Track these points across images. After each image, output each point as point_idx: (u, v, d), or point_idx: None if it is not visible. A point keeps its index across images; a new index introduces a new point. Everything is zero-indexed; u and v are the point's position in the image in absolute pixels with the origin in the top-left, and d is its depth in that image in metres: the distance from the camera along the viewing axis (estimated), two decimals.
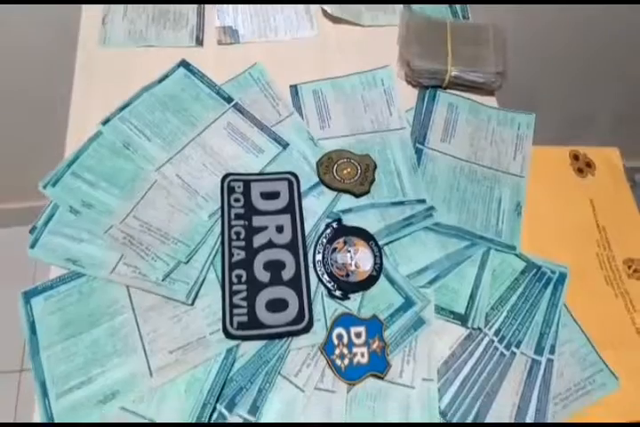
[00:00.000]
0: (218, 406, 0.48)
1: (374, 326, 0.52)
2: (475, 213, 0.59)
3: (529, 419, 0.50)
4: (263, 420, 0.48)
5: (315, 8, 0.72)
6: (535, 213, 0.60)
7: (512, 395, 0.51)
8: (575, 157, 0.65)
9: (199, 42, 0.69)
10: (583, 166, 0.64)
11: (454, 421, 0.49)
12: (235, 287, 0.53)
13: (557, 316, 0.54)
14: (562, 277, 0.56)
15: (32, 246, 0.54)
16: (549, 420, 0.50)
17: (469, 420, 0.50)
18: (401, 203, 0.59)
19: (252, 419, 0.48)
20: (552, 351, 0.53)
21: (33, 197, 1.11)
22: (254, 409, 0.48)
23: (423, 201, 0.59)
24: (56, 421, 0.47)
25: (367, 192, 0.59)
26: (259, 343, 0.51)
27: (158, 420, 0.47)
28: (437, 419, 0.49)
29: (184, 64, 0.65)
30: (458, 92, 0.67)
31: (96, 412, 0.48)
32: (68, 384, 0.49)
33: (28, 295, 0.52)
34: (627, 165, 0.65)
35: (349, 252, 0.56)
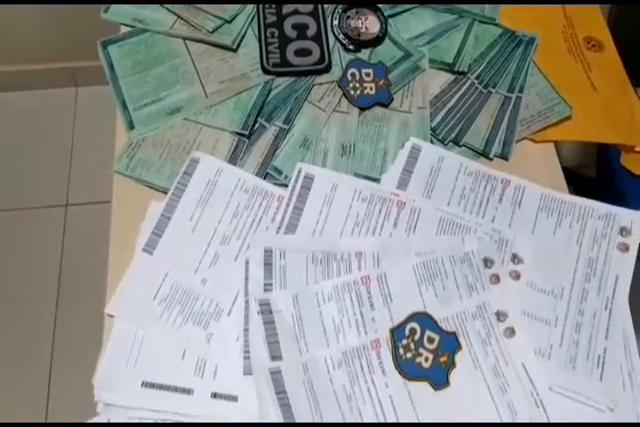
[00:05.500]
0: (259, 119, 0.62)
1: (380, 69, 0.66)
2: None
3: (500, 134, 0.64)
4: (294, 129, 0.62)
5: None
6: None
7: (488, 119, 0.65)
8: None
9: None
10: None
11: (442, 135, 0.63)
12: (269, 40, 0.66)
13: (526, 66, 0.67)
14: (532, 40, 0.69)
15: (105, 11, 0.67)
16: (515, 137, 0.64)
17: (453, 135, 0.64)
18: None
19: (285, 127, 0.62)
20: (521, 91, 0.66)
21: (75, 58, 1.25)
22: (287, 121, 0.63)
23: None
24: (136, 126, 0.62)
25: None
26: (289, 79, 0.65)
27: (214, 125, 0.62)
28: (429, 134, 0.64)
29: None
30: None
31: (165, 120, 0.62)
32: (143, 102, 0.63)
33: (105, 44, 0.66)
34: None
35: (360, 19, 0.69)
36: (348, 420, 0.48)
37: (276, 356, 0.49)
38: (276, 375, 0.48)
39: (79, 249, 1.22)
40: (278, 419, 0.47)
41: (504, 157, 0.63)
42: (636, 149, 0.70)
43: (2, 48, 1.26)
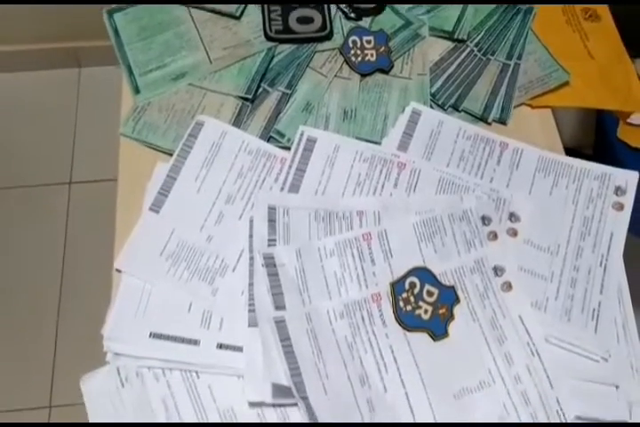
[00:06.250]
0: (262, 84, 0.64)
1: (381, 37, 0.67)
2: None
3: (499, 99, 0.65)
4: (296, 94, 0.64)
5: None
6: None
7: (487, 85, 0.66)
8: None
9: None
10: None
11: (442, 100, 0.65)
12: (271, 8, 0.67)
13: (525, 34, 0.68)
14: (530, 9, 0.70)
15: None
16: (514, 103, 0.65)
17: (453, 100, 0.65)
18: None
19: (288, 92, 0.63)
20: (519, 58, 0.67)
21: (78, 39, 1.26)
22: (290, 86, 0.64)
23: None
24: (141, 91, 0.63)
25: None
26: (292, 46, 0.66)
27: (218, 90, 0.63)
28: (429, 99, 0.65)
29: None
30: None
31: (170, 85, 0.63)
32: (148, 67, 0.64)
33: (111, 12, 0.67)
34: None
35: None
36: (350, 368, 0.49)
37: (279, 306, 0.50)
38: (280, 324, 0.49)
39: (83, 227, 1.23)
40: (283, 366, 0.48)
41: (502, 121, 0.65)
42: (629, 120, 0.71)
43: (5, 28, 1.27)
